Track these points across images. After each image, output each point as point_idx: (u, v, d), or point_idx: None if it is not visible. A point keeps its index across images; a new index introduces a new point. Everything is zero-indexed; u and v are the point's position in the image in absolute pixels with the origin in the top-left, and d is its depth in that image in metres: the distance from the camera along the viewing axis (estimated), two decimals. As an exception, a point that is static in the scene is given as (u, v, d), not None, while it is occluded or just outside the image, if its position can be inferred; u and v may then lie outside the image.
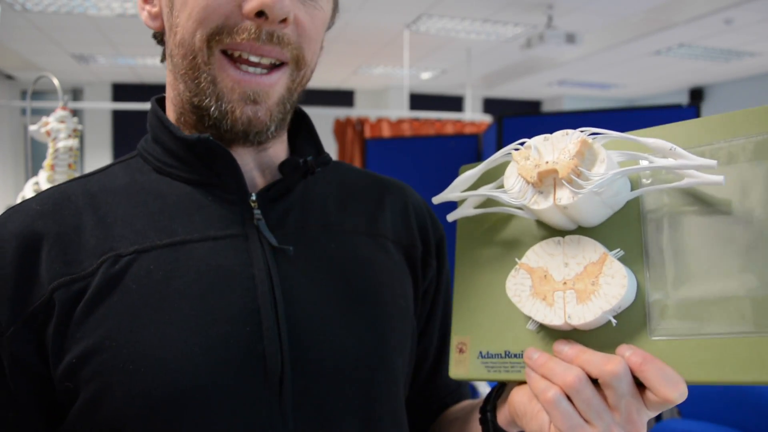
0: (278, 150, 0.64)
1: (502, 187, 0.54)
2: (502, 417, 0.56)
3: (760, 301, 0.42)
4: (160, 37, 0.62)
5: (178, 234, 0.55)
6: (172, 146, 0.59)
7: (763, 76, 7.21)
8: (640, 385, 0.45)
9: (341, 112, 4.79)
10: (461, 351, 0.56)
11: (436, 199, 0.59)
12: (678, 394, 0.43)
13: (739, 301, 0.43)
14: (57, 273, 0.52)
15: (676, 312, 0.45)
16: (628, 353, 0.44)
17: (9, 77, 7.06)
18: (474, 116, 4.31)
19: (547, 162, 0.48)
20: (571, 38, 4.52)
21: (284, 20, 0.54)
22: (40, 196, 0.58)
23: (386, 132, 4.23)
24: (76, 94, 7.62)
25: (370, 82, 7.77)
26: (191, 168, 0.58)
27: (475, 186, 0.57)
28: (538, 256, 0.51)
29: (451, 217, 0.59)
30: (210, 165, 0.57)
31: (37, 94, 2.21)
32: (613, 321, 0.46)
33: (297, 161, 0.60)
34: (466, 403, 0.73)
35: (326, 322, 0.57)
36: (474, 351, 0.55)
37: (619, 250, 0.49)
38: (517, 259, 0.52)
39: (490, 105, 8.85)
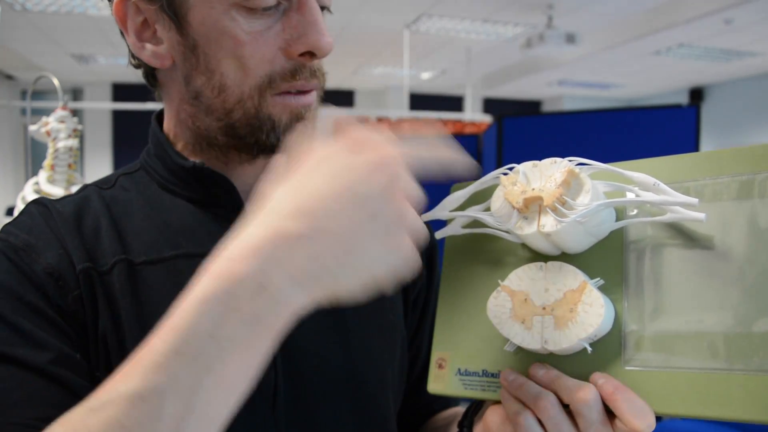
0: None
1: (490, 209, 0.55)
2: None
3: (733, 338, 0.43)
4: (149, 70, 0.60)
5: (182, 247, 0.57)
6: (171, 165, 0.60)
7: (763, 76, 7.21)
8: (610, 413, 0.46)
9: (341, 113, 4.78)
10: (440, 367, 0.57)
11: (425, 217, 0.60)
12: (646, 425, 0.44)
13: (712, 337, 0.44)
14: (82, 258, 0.54)
15: (651, 344, 0.47)
16: (601, 381, 0.46)
17: (9, 77, 7.06)
18: (474, 116, 4.32)
19: (533, 189, 0.50)
20: (571, 38, 4.52)
21: None
22: (59, 200, 0.60)
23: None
24: (76, 94, 7.62)
25: (370, 82, 7.77)
26: (190, 187, 0.60)
27: (464, 206, 0.58)
28: (520, 279, 0.52)
29: (439, 235, 0.60)
30: (208, 186, 0.59)
31: (37, 94, 2.21)
32: (589, 348, 0.48)
33: None
34: (451, 411, 0.76)
35: (318, 337, 0.59)
36: (453, 368, 0.56)
37: (599, 279, 0.50)
38: (499, 281, 0.53)
39: (490, 105, 8.85)
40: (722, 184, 0.47)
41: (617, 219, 0.51)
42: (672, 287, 0.47)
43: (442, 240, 0.63)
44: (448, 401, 0.77)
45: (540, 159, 0.53)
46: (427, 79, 7.58)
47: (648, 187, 0.48)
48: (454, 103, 8.44)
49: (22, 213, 0.58)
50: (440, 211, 0.59)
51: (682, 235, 0.48)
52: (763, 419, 0.41)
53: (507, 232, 0.53)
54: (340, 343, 0.60)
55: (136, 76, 0.62)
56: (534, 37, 4.60)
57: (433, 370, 0.57)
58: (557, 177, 0.49)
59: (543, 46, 4.58)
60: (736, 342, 0.43)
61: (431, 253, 0.74)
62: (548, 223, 0.48)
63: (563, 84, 7.87)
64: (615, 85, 7.98)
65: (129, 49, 0.59)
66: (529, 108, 9.29)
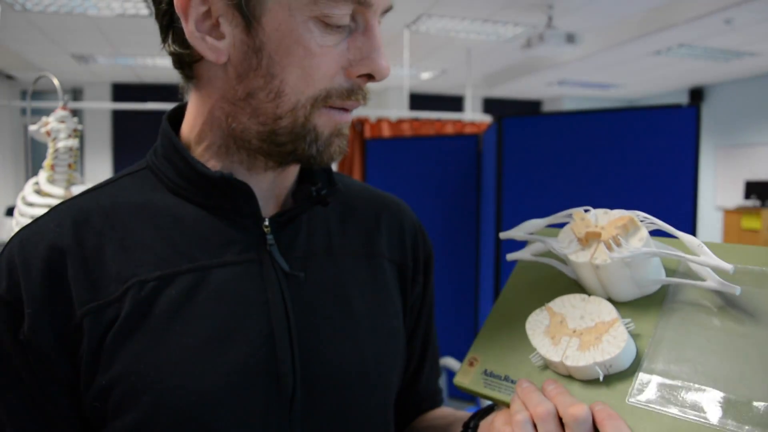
0: (292, 170, 0.65)
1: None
2: None
3: (734, 403, 0.48)
4: (196, 59, 0.58)
5: (197, 259, 0.57)
6: (186, 171, 0.59)
7: (763, 76, 7.21)
8: None
9: (341, 112, 4.77)
10: (471, 365, 0.63)
11: (503, 236, 0.67)
12: None
13: (715, 397, 0.49)
14: (85, 298, 0.54)
15: (659, 388, 0.51)
16: (598, 408, 0.50)
17: (9, 77, 7.06)
18: (474, 116, 4.31)
19: (596, 226, 0.58)
20: (571, 38, 4.52)
21: None
22: (55, 213, 0.58)
23: (386, 132, 4.23)
24: (76, 94, 7.62)
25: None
26: (206, 195, 0.59)
27: (537, 233, 0.66)
28: (563, 304, 0.59)
29: (510, 257, 0.67)
30: (226, 193, 0.59)
31: (37, 94, 2.21)
32: (601, 375, 0.53)
33: (311, 191, 0.63)
34: (442, 411, 0.78)
35: (332, 343, 0.60)
36: (481, 367, 0.62)
37: (630, 320, 0.55)
38: (546, 303, 0.60)
39: (490, 105, 8.86)
40: (765, 274, 0.54)
41: (665, 276, 0.57)
42: (695, 347, 0.53)
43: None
44: (435, 402, 0.80)
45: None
46: (427, 79, 7.58)
47: (693, 247, 0.55)
48: (454, 103, 8.44)
49: (1, 263, 0.56)
50: (517, 232, 0.66)
51: (719, 305, 0.54)
52: None
53: (563, 260, 0.60)
54: (354, 351, 0.61)
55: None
56: (534, 37, 4.60)
57: (464, 366, 0.63)
58: (619, 223, 0.56)
59: (543, 46, 4.58)
60: (735, 407, 0.48)
61: (428, 261, 0.75)
62: (600, 256, 0.55)
63: (563, 84, 7.87)
64: (615, 85, 7.98)
65: (168, 36, 0.58)
66: (529, 108, 9.29)
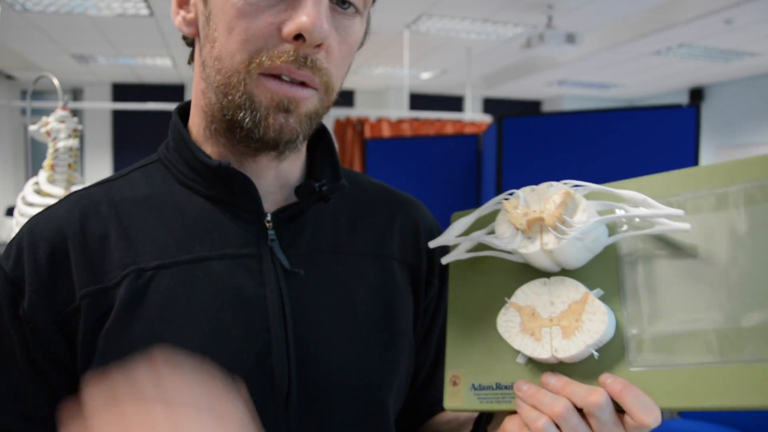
0: (295, 165, 0.64)
1: (493, 232, 0.59)
2: None
3: (724, 334, 0.48)
4: (190, 41, 0.62)
5: (196, 251, 0.57)
6: (191, 160, 0.60)
7: (763, 76, 7.20)
8: (618, 410, 0.49)
9: (341, 112, 4.79)
10: (455, 384, 0.60)
11: (432, 244, 0.63)
12: (653, 419, 0.47)
13: (706, 335, 0.49)
14: (85, 281, 0.55)
15: (651, 345, 0.51)
16: (609, 381, 0.49)
17: (9, 77, 7.06)
18: (474, 116, 4.31)
19: (534, 211, 0.55)
20: (571, 38, 4.53)
21: (319, 45, 0.54)
22: (67, 201, 0.60)
23: (386, 132, 4.23)
24: (76, 94, 7.62)
25: (370, 82, 7.77)
26: (211, 185, 0.60)
27: (467, 232, 0.63)
28: (526, 295, 0.56)
29: (445, 260, 0.63)
30: (228, 185, 0.59)
31: (37, 94, 2.21)
32: (596, 354, 0.51)
33: (313, 187, 0.61)
34: (452, 415, 0.77)
35: (332, 343, 0.59)
36: (467, 383, 0.59)
37: (599, 289, 0.54)
38: (506, 299, 0.57)
39: (490, 105, 8.85)
40: (702, 197, 0.52)
41: (610, 234, 0.55)
42: (665, 293, 0.51)
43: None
44: None
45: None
46: (427, 79, 7.58)
47: (638, 202, 0.53)
48: (454, 103, 8.44)
49: (12, 244, 0.58)
50: (447, 237, 0.63)
51: (670, 245, 0.52)
52: (759, 404, 0.45)
53: (511, 252, 0.57)
54: (354, 350, 0.61)
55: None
56: (534, 37, 4.60)
57: (448, 387, 0.60)
58: (555, 199, 0.54)
59: (543, 46, 4.58)
60: (727, 337, 0.47)
61: (445, 266, 0.74)
62: (550, 240, 0.53)
63: (563, 84, 7.87)
64: (615, 85, 7.98)
65: None
66: (529, 108, 9.29)
